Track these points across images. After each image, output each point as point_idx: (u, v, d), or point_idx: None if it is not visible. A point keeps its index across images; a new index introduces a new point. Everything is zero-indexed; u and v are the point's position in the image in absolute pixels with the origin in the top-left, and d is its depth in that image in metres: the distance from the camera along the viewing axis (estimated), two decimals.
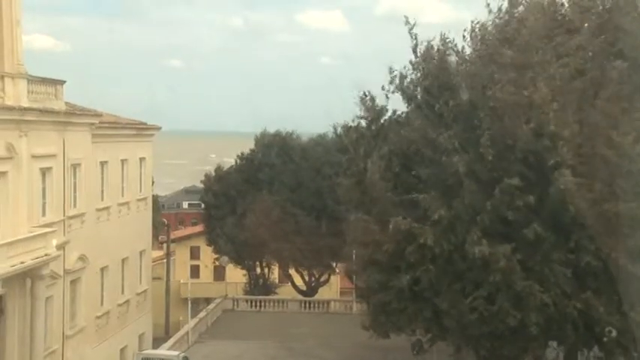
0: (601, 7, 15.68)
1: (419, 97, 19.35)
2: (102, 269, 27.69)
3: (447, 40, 18.19)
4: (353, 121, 21.54)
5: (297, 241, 35.22)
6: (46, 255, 21.07)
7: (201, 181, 42.18)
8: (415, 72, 19.28)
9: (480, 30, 17.50)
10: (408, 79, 19.42)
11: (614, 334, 15.73)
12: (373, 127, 20.83)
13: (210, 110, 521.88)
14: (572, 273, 16.08)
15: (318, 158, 36.57)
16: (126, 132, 30.67)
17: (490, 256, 16.05)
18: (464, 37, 17.70)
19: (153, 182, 36.94)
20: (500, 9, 17.07)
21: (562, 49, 15.32)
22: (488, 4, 17.08)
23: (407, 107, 20.14)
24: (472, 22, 17.46)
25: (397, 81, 19.43)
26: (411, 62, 19.16)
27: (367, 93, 20.25)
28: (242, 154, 40.28)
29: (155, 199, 41.62)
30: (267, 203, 36.03)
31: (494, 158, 16.32)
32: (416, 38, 18.50)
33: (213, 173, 40.98)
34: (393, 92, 19.67)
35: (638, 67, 14.58)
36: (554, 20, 16.09)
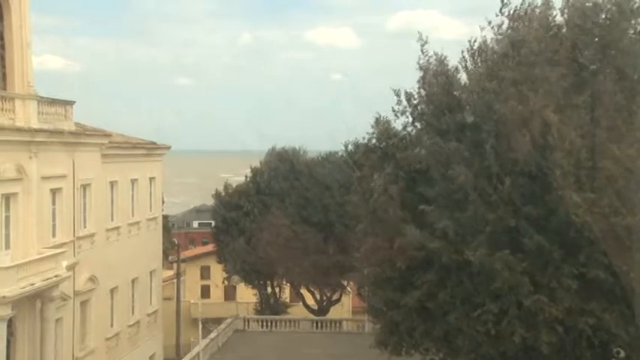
0: (598, 24, 15.85)
1: (426, 114, 19.41)
2: (112, 290, 27.90)
3: (446, 59, 18.53)
4: (364, 138, 21.72)
5: (306, 259, 35.24)
6: (56, 276, 21.15)
7: (212, 196, 42.21)
8: (422, 89, 19.35)
9: (481, 47, 17.84)
10: (416, 97, 19.48)
11: (622, 354, 15.57)
12: (382, 145, 20.84)
13: (219, 129, 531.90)
14: (581, 287, 16.00)
15: (327, 175, 36.83)
16: (136, 152, 31.25)
17: (490, 264, 16.04)
18: (463, 55, 18.12)
19: (163, 202, 37.51)
20: (500, 26, 17.32)
21: (561, 64, 15.63)
22: (489, 22, 17.33)
23: (414, 126, 20.27)
24: (470, 40, 17.94)
25: (404, 101, 19.54)
26: (418, 80, 19.29)
27: (380, 116, 20.31)
28: (251, 172, 40.90)
29: (165, 218, 42.03)
30: (276, 221, 36.23)
31: (499, 171, 16.43)
32: (425, 55, 18.68)
33: (223, 192, 41.58)
34: (402, 113, 19.82)
35: (636, 80, 15.09)
36: (554, 37, 16.31)
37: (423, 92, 19.21)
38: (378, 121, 20.40)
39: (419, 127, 19.96)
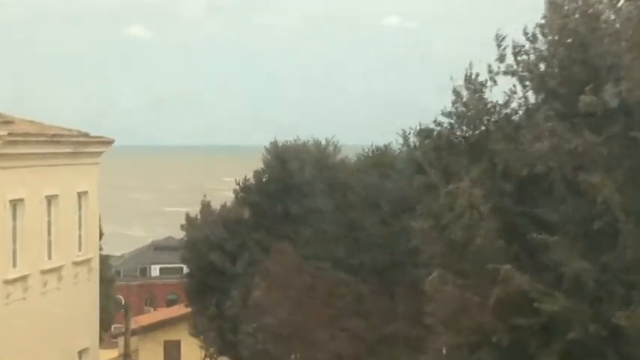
0: None
1: (550, 80, 20.25)
2: None
3: None
4: (437, 123, 22.51)
5: (347, 325, 34.56)
6: None
7: (181, 227, 43.45)
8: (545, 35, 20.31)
9: None
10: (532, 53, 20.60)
11: None
12: (469, 133, 21.92)
13: (200, 116, 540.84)
14: None
15: (374, 186, 36.67)
16: (54, 149, 30.96)
17: None
18: None
19: (101, 234, 37.98)
20: None
21: None
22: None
23: (524, 99, 21.15)
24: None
25: (511, 56, 20.58)
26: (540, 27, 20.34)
27: (471, 73, 21.30)
28: (244, 180, 41.84)
29: (105, 262, 42.03)
30: (290, 262, 36.68)
31: None
32: None
33: (199, 215, 42.16)
34: (505, 73, 20.92)
35: None
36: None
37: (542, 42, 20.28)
38: (458, 93, 21.24)
39: (534, 101, 20.73)
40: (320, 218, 37.93)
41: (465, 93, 21.55)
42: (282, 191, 40.65)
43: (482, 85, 21.32)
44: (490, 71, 21.10)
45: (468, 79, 21.31)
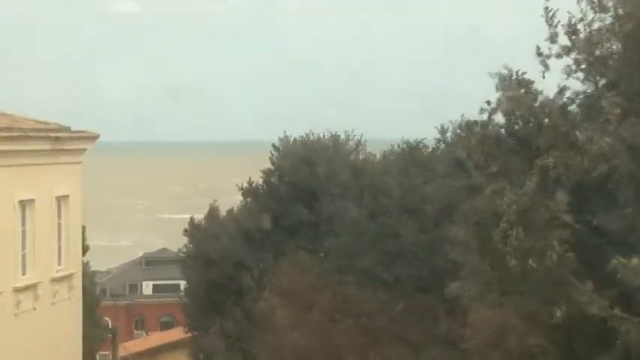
0: None
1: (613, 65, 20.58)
2: None
3: None
4: (484, 111, 22.79)
5: (383, 352, 34.69)
6: None
7: (185, 231, 43.84)
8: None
9: None
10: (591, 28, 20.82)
11: None
12: (517, 127, 22.40)
13: (204, 110, 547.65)
14: None
15: (410, 188, 37.03)
16: (28, 146, 30.79)
17: None
18: None
19: (86, 247, 39.16)
20: None
21: None
22: None
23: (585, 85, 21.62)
24: None
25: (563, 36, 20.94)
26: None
27: (510, 70, 21.88)
28: (250, 182, 42.60)
29: (90, 278, 43.25)
30: (309, 276, 36.87)
31: None
32: None
33: (204, 222, 43.58)
34: (557, 56, 21.27)
35: None
36: None
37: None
38: (503, 77, 21.58)
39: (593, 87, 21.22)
40: (342, 225, 38.00)
41: (509, 83, 21.96)
42: (293, 195, 41.03)
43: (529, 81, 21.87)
44: (539, 54, 21.33)
45: (511, 72, 21.85)
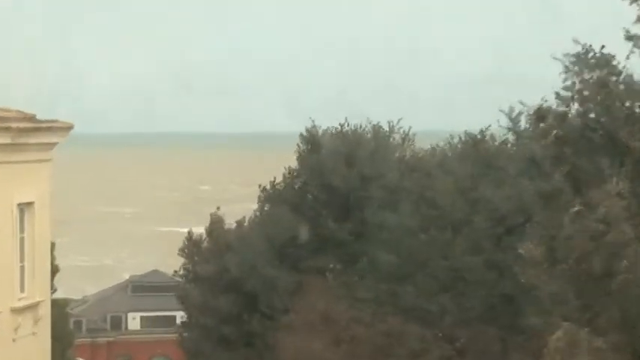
0: None
1: None
2: None
3: None
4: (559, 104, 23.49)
5: None
6: None
7: (179, 252, 44.56)
8: None
9: None
10: None
11: None
12: (603, 120, 23.11)
13: (217, 97, 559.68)
14: None
15: (472, 195, 37.23)
16: None
17: None
18: None
19: (55, 268, 40.60)
20: None
21: None
22: None
23: None
24: None
25: None
26: None
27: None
28: (272, 185, 43.07)
29: (61, 308, 44.03)
30: (333, 306, 37.85)
31: None
32: None
33: (205, 238, 44.03)
34: None
35: None
36: None
37: None
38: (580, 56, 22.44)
39: None
40: (384, 241, 38.21)
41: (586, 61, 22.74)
42: (322, 201, 41.01)
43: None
44: (628, 36, 21.97)
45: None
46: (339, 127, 42.38)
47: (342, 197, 40.61)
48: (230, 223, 44.36)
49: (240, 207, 46.50)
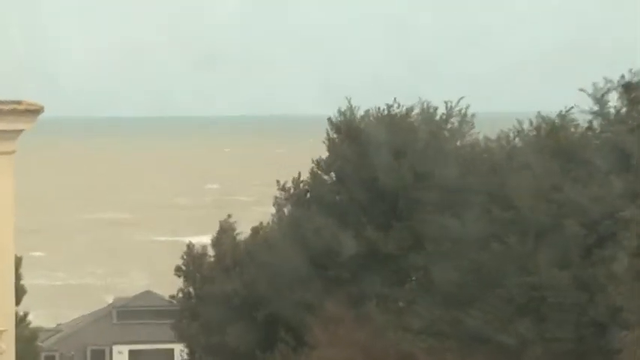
0: None
1: None
2: None
3: None
4: None
5: None
6: None
7: (177, 269, 45.53)
8: None
9: None
10: None
11: None
12: None
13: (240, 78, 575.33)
14: None
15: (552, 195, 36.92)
16: None
17: None
18: None
19: (22, 290, 41.22)
20: None
21: None
22: None
23: None
24: None
25: None
26: None
27: None
28: (296, 183, 43.74)
29: (29, 339, 44.96)
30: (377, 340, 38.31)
31: None
32: None
33: (211, 258, 44.76)
34: None
35: None
36: None
37: None
38: None
39: None
40: (439, 255, 37.97)
41: None
42: (360, 203, 40.41)
43: None
44: None
45: None
46: (386, 108, 40.76)
47: (389, 199, 39.76)
48: (243, 231, 44.42)
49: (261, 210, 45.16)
